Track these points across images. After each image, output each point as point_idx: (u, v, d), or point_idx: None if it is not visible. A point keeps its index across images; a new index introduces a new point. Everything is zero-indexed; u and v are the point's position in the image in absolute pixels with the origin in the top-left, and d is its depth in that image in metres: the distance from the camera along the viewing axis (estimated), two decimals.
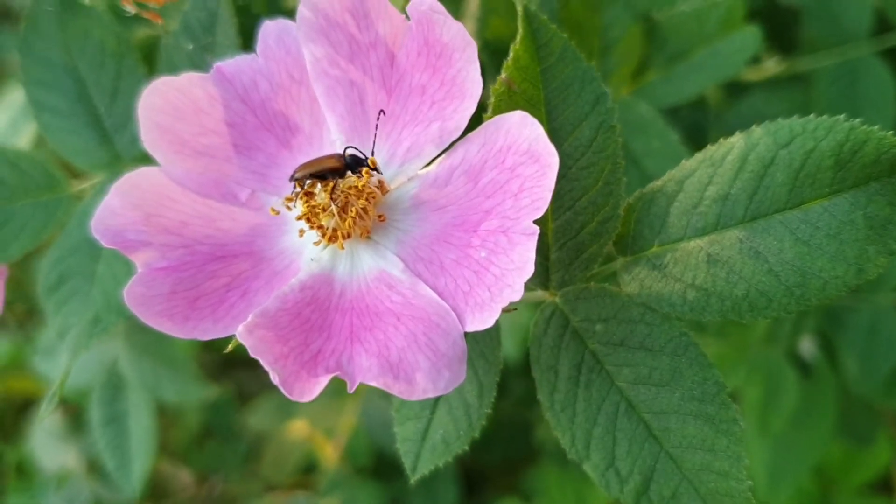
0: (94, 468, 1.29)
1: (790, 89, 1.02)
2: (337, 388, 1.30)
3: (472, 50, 0.45)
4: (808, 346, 1.00)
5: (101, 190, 0.68)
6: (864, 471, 1.38)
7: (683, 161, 0.52)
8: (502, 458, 1.62)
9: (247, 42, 0.59)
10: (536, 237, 0.43)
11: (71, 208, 0.69)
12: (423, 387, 0.42)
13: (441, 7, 0.45)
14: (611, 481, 0.50)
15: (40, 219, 0.68)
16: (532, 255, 0.43)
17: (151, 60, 0.68)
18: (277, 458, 1.34)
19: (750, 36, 0.73)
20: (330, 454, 1.27)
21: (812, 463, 1.04)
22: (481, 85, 0.46)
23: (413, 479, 0.55)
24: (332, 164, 0.48)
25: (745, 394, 0.94)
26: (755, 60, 1.04)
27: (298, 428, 1.30)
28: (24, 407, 1.61)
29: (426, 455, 0.55)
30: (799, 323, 0.96)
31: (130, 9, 0.60)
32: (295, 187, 0.49)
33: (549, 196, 0.44)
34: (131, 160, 0.68)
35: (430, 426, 0.55)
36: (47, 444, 1.37)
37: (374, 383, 0.42)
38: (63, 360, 0.67)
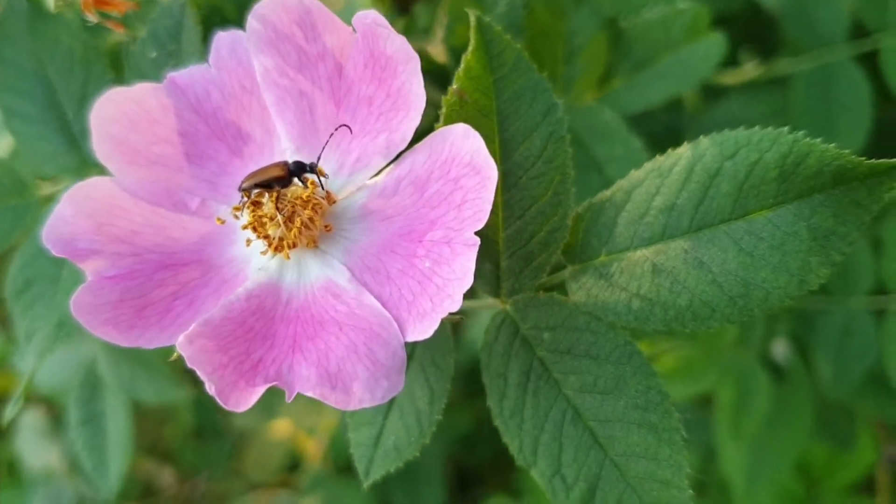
0: (77, 467, 1.30)
1: (767, 93, 1.02)
2: None
3: (415, 63, 0.46)
4: (781, 350, 1.01)
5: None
6: (849, 471, 1.39)
7: (632, 171, 0.52)
8: (492, 455, 1.62)
9: None
10: (476, 248, 0.44)
11: (38, 213, 0.69)
12: (359, 397, 0.43)
13: (384, 21, 0.45)
14: (557, 488, 0.51)
15: (8, 222, 0.69)
16: (472, 266, 0.44)
17: (120, 67, 0.69)
18: (261, 458, 1.35)
19: (715, 44, 0.74)
20: (312, 453, 1.28)
21: (789, 464, 1.04)
22: (424, 97, 0.46)
23: (366, 484, 0.56)
24: (277, 172, 0.49)
25: (718, 397, 0.95)
26: (733, 64, 1.04)
27: (281, 427, 1.30)
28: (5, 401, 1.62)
29: (378, 461, 0.55)
30: (771, 326, 0.97)
31: (92, 18, 0.61)
32: (242, 197, 0.49)
33: (489, 208, 0.44)
34: (98, 166, 0.69)
35: (382, 432, 0.56)
36: (32, 443, 1.38)
37: (310, 393, 0.43)
38: (29, 363, 0.68)
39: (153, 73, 0.64)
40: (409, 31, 0.87)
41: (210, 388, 0.42)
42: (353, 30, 0.47)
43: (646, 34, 0.75)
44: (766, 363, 0.98)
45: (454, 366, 0.54)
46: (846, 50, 0.97)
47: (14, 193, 0.70)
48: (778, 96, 1.00)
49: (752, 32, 1.13)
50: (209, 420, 1.42)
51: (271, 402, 1.39)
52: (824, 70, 0.98)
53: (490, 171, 0.44)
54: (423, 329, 0.44)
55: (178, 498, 1.43)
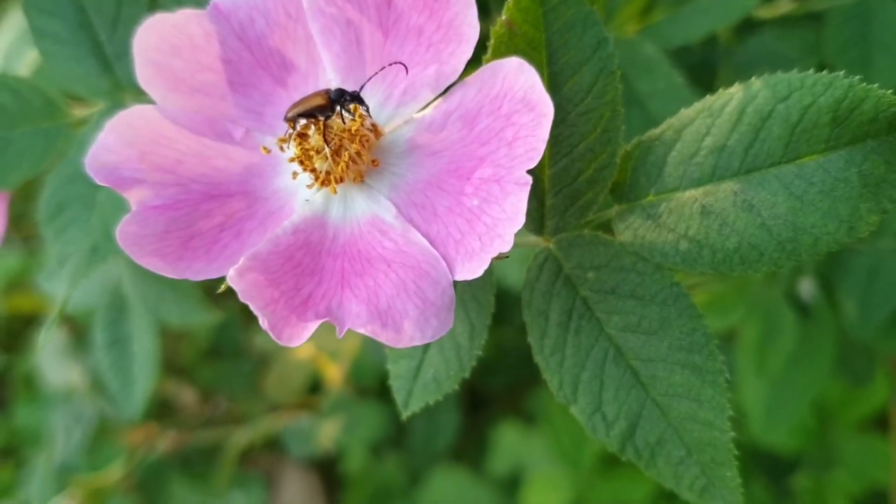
0: (99, 386, 1.32)
1: (802, 28, 1.00)
2: None
3: None
4: (807, 288, 1.00)
5: (101, 118, 0.68)
6: (862, 407, 1.40)
7: (683, 109, 0.51)
8: (506, 383, 1.64)
9: None
10: (529, 188, 0.43)
11: (71, 136, 0.69)
12: (410, 335, 0.43)
13: None
14: (597, 425, 0.51)
15: (40, 146, 0.68)
16: (524, 206, 0.43)
17: None
18: (282, 379, 1.37)
19: None
20: (334, 376, 1.30)
21: (808, 401, 1.05)
22: (478, 29, 0.45)
23: (405, 416, 0.56)
24: (318, 101, 0.48)
25: (743, 333, 0.95)
26: None
27: (303, 349, 1.31)
28: (30, 321, 1.64)
29: (417, 392, 0.56)
30: (799, 265, 0.96)
31: None
32: (288, 128, 0.49)
33: (542, 146, 0.43)
34: (132, 88, 0.68)
35: (421, 365, 0.56)
36: (53, 361, 1.39)
37: (362, 330, 0.43)
38: (62, 288, 0.68)
39: None
40: None
41: (263, 323, 0.42)
42: None
43: None
44: (793, 301, 0.98)
45: (493, 305, 0.54)
46: None
47: (45, 116, 0.69)
48: (813, 31, 0.98)
49: None
50: (230, 340, 1.44)
51: None
52: (862, 5, 0.95)
53: (545, 108, 0.43)
54: (471, 269, 0.44)
55: (199, 417, 1.46)
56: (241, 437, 1.33)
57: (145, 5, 0.67)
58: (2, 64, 1.13)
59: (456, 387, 0.55)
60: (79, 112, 0.70)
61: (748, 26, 1.03)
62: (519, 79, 0.44)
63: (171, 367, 1.49)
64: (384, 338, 0.43)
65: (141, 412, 1.00)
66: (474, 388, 1.74)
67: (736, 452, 0.49)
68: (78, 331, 1.36)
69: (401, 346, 0.43)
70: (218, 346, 1.54)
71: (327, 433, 1.25)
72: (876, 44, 0.95)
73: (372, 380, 1.39)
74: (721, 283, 0.91)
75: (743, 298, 0.93)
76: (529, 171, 0.44)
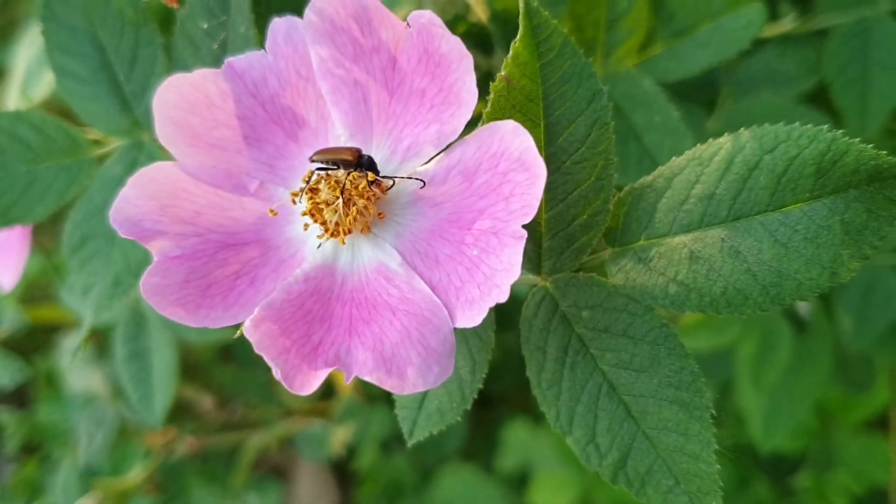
0: (120, 392, 1.36)
1: (804, 46, 1.02)
2: None
3: (468, 62, 0.48)
4: (804, 304, 1.03)
5: (121, 156, 0.71)
6: (863, 409, 1.43)
7: (674, 158, 0.54)
8: (513, 383, 1.67)
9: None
10: (524, 242, 0.46)
11: (93, 171, 0.72)
12: (413, 382, 0.46)
13: (440, 21, 0.47)
14: (591, 455, 0.54)
15: (63, 181, 0.71)
16: (520, 258, 0.46)
17: (168, 30, 0.70)
18: None
19: (756, 13, 0.74)
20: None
21: (805, 409, 1.08)
22: (476, 95, 0.48)
23: (410, 444, 0.60)
24: (347, 156, 0.51)
25: (741, 347, 0.98)
26: (773, 18, 1.04)
27: None
28: (51, 330, 1.68)
29: (422, 423, 0.59)
30: None
31: None
32: (301, 182, 0.52)
33: (537, 204, 0.46)
34: (149, 126, 0.71)
35: (426, 396, 0.59)
36: (75, 367, 1.43)
37: (368, 378, 0.46)
38: (87, 318, 0.71)
39: (204, 43, 0.66)
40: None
41: (276, 373, 0.45)
42: (408, 25, 0.49)
43: (687, 1, 0.75)
44: (790, 316, 1.00)
45: (493, 342, 0.57)
46: (886, 4, 0.96)
47: (68, 152, 0.72)
48: (814, 50, 1.00)
49: None
50: (246, 348, 1.47)
51: None
52: (862, 24, 0.97)
53: (539, 170, 0.46)
54: (471, 316, 0.47)
55: (217, 421, 1.50)
56: (256, 441, 1.37)
57: (161, 46, 0.70)
58: (22, 83, 1.17)
59: (459, 418, 0.58)
60: (100, 150, 0.73)
61: (750, 45, 1.05)
62: (514, 140, 0.47)
63: (190, 372, 1.53)
64: (388, 385, 0.46)
65: (161, 421, 1.03)
66: (483, 388, 1.77)
67: (721, 484, 0.52)
68: (100, 340, 1.40)
69: (405, 392, 0.46)
70: (230, 354, 1.58)
71: (339, 438, 1.28)
72: (874, 63, 0.97)
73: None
74: None
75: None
76: (525, 225, 0.47)
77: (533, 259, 0.56)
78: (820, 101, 0.99)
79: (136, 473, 1.24)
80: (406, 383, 0.46)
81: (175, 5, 0.64)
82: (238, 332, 0.49)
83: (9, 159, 0.71)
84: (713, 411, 0.52)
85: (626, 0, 0.74)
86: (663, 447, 0.53)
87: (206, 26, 0.64)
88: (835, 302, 0.99)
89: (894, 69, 0.95)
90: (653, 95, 0.74)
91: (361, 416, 1.33)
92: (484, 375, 0.57)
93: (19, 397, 2.56)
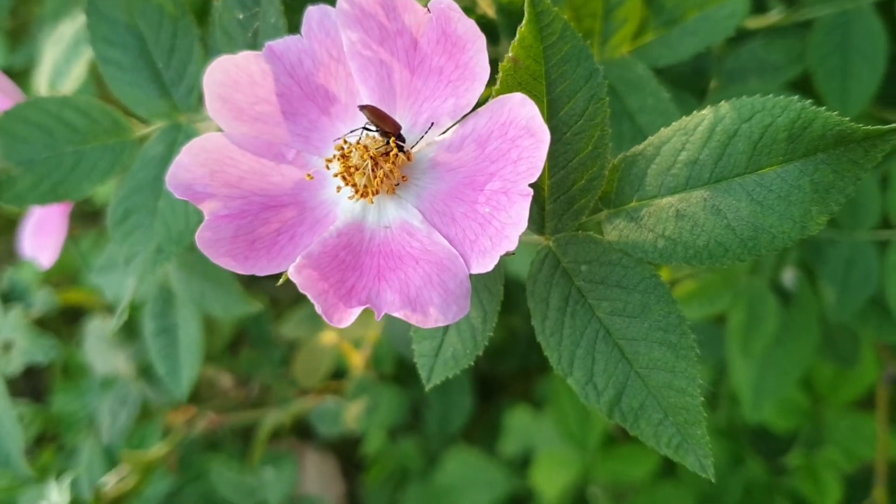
0: (143, 372, 1.42)
1: (789, 38, 1.08)
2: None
3: (481, 42, 0.54)
4: (790, 277, 1.10)
5: (161, 136, 0.78)
6: (851, 388, 1.49)
7: (662, 129, 0.61)
8: (517, 367, 1.74)
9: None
10: (530, 198, 0.53)
11: (135, 152, 0.79)
12: (434, 317, 0.53)
13: (456, 5, 0.54)
14: (589, 393, 0.61)
15: (108, 160, 0.78)
16: (526, 213, 0.53)
17: (203, 21, 0.77)
18: (309, 365, 1.47)
19: (739, 3, 0.81)
20: (357, 362, 1.40)
21: (794, 380, 1.15)
22: (489, 70, 0.55)
23: (428, 388, 0.66)
24: (391, 127, 0.58)
25: (730, 318, 1.04)
26: (762, 10, 1.11)
27: (328, 338, 1.42)
28: (67, 314, 1.75)
29: (439, 368, 0.66)
30: (782, 255, 1.06)
31: None
32: (337, 147, 0.59)
33: (541, 165, 0.53)
34: (186, 109, 0.78)
35: (442, 344, 0.66)
36: (99, 350, 1.50)
37: (396, 314, 0.53)
38: (130, 283, 0.78)
39: (238, 33, 0.73)
40: None
41: (318, 308, 0.52)
42: (428, 10, 0.56)
43: None
44: (776, 289, 1.07)
45: (502, 293, 0.64)
46: None
47: (112, 134, 0.79)
48: (799, 41, 1.06)
49: None
50: (259, 330, 1.55)
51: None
52: (844, 16, 1.04)
53: (543, 136, 0.53)
54: (484, 264, 0.54)
55: (235, 400, 1.57)
56: (272, 419, 1.43)
57: (197, 36, 0.77)
58: (50, 78, 1.23)
59: (472, 363, 0.65)
60: (141, 131, 0.80)
61: (738, 36, 1.11)
62: (522, 110, 0.54)
63: (210, 354, 1.60)
64: (414, 320, 0.53)
65: (187, 394, 1.10)
66: (486, 375, 1.84)
67: (705, 414, 0.58)
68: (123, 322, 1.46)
69: (428, 326, 0.53)
70: (245, 336, 1.65)
71: (352, 414, 1.35)
72: (854, 52, 1.04)
73: (391, 366, 1.49)
74: (710, 274, 1.01)
75: (730, 287, 1.03)
76: (531, 185, 0.54)
77: (537, 221, 0.63)
78: (805, 88, 1.06)
79: (158, 449, 1.30)
80: (429, 319, 0.53)
81: None
82: (283, 278, 0.56)
83: (57, 141, 0.78)
84: (697, 351, 0.59)
85: None
86: (654, 384, 0.59)
87: (240, 17, 0.71)
88: (819, 276, 1.06)
89: (873, 58, 1.02)
90: (646, 79, 0.80)
91: (372, 393, 1.40)
92: (494, 324, 0.64)
93: (34, 391, 2.63)
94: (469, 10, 0.82)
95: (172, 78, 0.78)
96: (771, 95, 0.57)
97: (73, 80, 1.21)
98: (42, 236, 1.03)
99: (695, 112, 0.60)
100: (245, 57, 0.60)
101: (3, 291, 1.23)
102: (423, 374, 0.67)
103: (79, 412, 1.75)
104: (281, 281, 0.56)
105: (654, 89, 0.80)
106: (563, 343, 0.62)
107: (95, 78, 1.22)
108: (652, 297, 0.59)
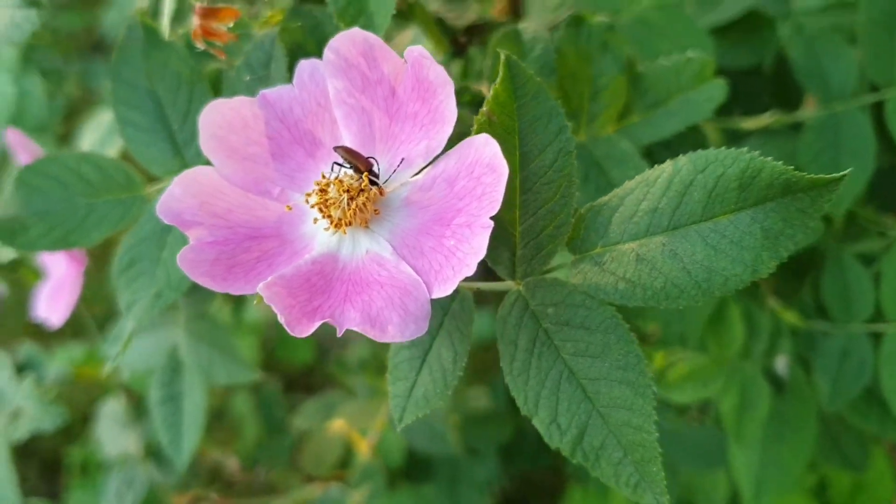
0: (151, 452, 1.44)
1: (783, 138, 1.13)
2: (372, 390, 1.44)
3: (450, 87, 0.59)
4: (783, 365, 1.10)
5: None
6: (869, 498, 1.46)
7: (626, 182, 0.64)
8: (528, 468, 1.72)
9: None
10: (490, 229, 0.57)
11: (144, 206, 0.84)
12: (392, 334, 0.56)
13: (428, 53, 0.59)
14: (553, 433, 0.62)
15: (118, 213, 0.83)
16: (486, 243, 0.57)
17: (218, 89, 0.84)
18: (318, 454, 1.48)
19: (717, 87, 0.86)
20: (364, 450, 1.41)
21: (795, 477, 1.13)
22: (456, 113, 0.60)
23: (399, 428, 0.68)
24: (363, 164, 0.63)
25: (723, 402, 1.05)
26: (756, 111, 1.16)
27: (337, 426, 1.44)
28: (89, 409, 1.79)
29: (410, 408, 0.68)
30: (774, 342, 1.07)
31: (200, 45, 0.75)
32: (316, 182, 0.63)
33: (500, 198, 0.57)
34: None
35: (414, 385, 0.68)
36: (111, 430, 1.53)
37: (356, 328, 0.56)
38: (128, 327, 0.82)
39: (245, 93, 0.79)
40: (465, 74, 1.00)
41: (281, 319, 0.55)
42: (405, 60, 0.61)
43: (660, 78, 0.87)
44: (769, 376, 1.08)
45: (472, 335, 0.67)
46: (855, 101, 1.08)
47: (125, 189, 0.85)
48: (791, 141, 1.11)
49: (779, 85, 1.24)
50: (273, 417, 1.57)
51: (329, 403, 1.53)
52: (834, 118, 1.08)
53: (503, 170, 0.57)
54: (444, 290, 0.57)
55: (241, 484, 1.57)
56: None
57: (211, 99, 0.83)
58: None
59: (441, 403, 0.67)
60: (150, 188, 0.85)
61: (735, 136, 1.17)
62: (486, 150, 0.58)
63: (217, 439, 1.62)
64: (371, 334, 0.56)
65: (187, 464, 1.12)
66: (506, 488, 1.82)
67: (660, 450, 0.59)
68: (135, 401, 1.50)
69: (384, 340, 0.56)
70: (266, 425, 1.68)
71: (355, 501, 1.35)
72: (844, 150, 1.08)
73: (399, 459, 1.50)
74: (702, 358, 1.02)
75: (722, 370, 1.04)
76: (500, 229, 0.58)
77: (508, 266, 0.66)
78: None
79: None
80: (386, 335, 0.56)
81: (223, 56, 0.77)
82: (257, 300, 0.59)
83: (72, 193, 0.84)
84: (654, 389, 0.60)
85: (606, 77, 0.86)
86: (613, 422, 0.61)
87: (248, 79, 0.77)
88: (813, 367, 1.07)
89: (861, 156, 1.05)
90: (629, 154, 0.85)
91: (376, 480, 1.40)
92: (464, 364, 0.66)
93: (51, 493, 2.64)
94: (467, 88, 0.88)
95: (185, 139, 0.83)
96: (723, 147, 0.61)
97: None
98: (55, 299, 1.08)
99: (656, 166, 0.63)
100: (240, 101, 0.66)
101: (18, 363, 1.27)
102: (395, 414, 0.69)
103: None
104: (256, 302, 0.60)
105: (637, 164, 0.84)
106: (529, 383, 0.64)
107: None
108: (612, 336, 0.62)
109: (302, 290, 0.59)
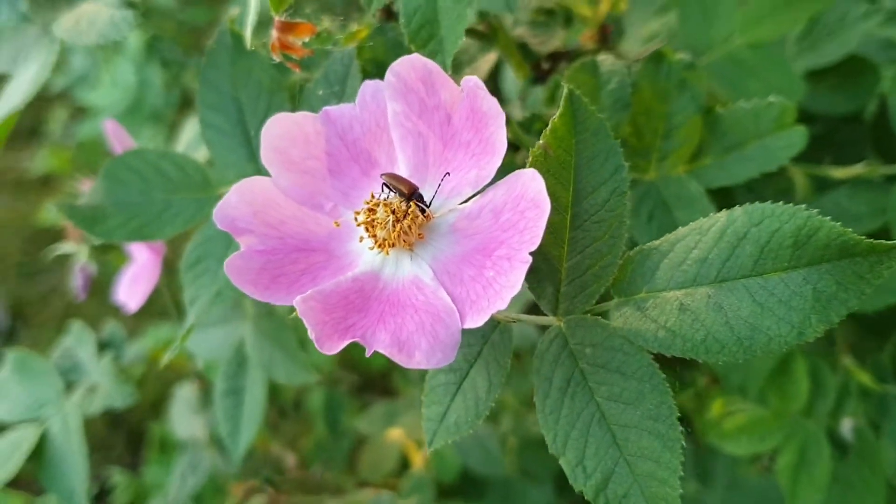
0: (215, 439, 1.49)
1: (874, 191, 1.08)
2: None
3: (502, 118, 0.60)
4: (848, 428, 1.06)
5: None
6: None
7: (679, 228, 0.63)
8: None
9: None
10: (528, 265, 0.57)
11: (215, 206, 0.87)
12: (418, 360, 0.56)
13: (482, 84, 0.60)
14: (578, 476, 0.62)
15: (192, 210, 0.87)
16: (522, 278, 0.56)
17: (295, 99, 0.86)
18: (375, 460, 1.50)
19: (798, 134, 0.83)
20: (417, 461, 1.42)
21: None
22: (506, 146, 0.60)
23: (429, 451, 0.69)
24: (405, 188, 0.63)
25: (779, 459, 1.01)
26: (851, 160, 1.11)
27: (395, 434, 1.45)
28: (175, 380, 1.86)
29: (441, 433, 0.68)
30: (841, 403, 1.02)
31: (276, 58, 0.77)
32: (365, 201, 0.64)
33: (540, 235, 0.57)
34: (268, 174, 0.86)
35: (448, 411, 0.68)
36: (183, 414, 1.58)
37: (383, 351, 0.57)
38: (189, 319, 0.85)
39: (320, 106, 0.81)
40: (552, 101, 1.00)
41: (311, 334, 0.56)
42: (461, 89, 0.61)
43: (738, 121, 0.85)
44: (832, 438, 1.03)
45: (508, 366, 0.66)
46: None
47: (200, 189, 0.88)
48: (883, 194, 1.06)
49: (882, 134, 1.19)
50: (336, 419, 1.60)
51: (392, 411, 1.55)
52: None
53: (546, 207, 0.57)
54: (477, 321, 0.57)
55: (296, 481, 1.60)
56: None
57: (287, 109, 0.86)
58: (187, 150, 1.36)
59: (471, 430, 0.67)
60: (224, 189, 0.88)
61: (825, 185, 1.13)
62: (531, 184, 0.58)
63: (287, 433, 1.65)
64: (398, 359, 0.56)
65: (243, 455, 1.15)
66: None
67: None
68: (207, 388, 1.54)
69: (409, 366, 0.56)
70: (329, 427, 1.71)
71: None
72: None
73: (453, 475, 1.50)
74: (761, 410, 0.99)
75: (782, 426, 1.00)
76: (545, 263, 0.58)
77: (552, 301, 0.66)
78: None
79: None
80: (412, 360, 0.56)
81: (297, 69, 0.79)
82: (294, 313, 0.61)
83: (151, 187, 0.87)
84: (683, 443, 0.59)
85: (681, 116, 0.85)
86: (640, 472, 0.60)
87: (321, 93, 0.79)
88: (883, 432, 1.02)
89: None
90: (697, 197, 0.83)
91: (425, 494, 1.40)
92: (497, 395, 0.66)
93: (134, 462, 2.75)
94: (537, 117, 0.88)
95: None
96: (781, 202, 0.59)
97: (199, 156, 1.33)
98: (135, 285, 1.13)
99: (711, 214, 0.62)
100: (304, 116, 0.67)
101: (101, 341, 1.33)
102: (427, 436, 0.69)
103: (166, 484, 1.83)
104: (292, 315, 0.61)
105: (705, 207, 0.82)
106: (559, 423, 0.63)
107: None
108: (647, 385, 0.61)
109: (339, 307, 0.60)
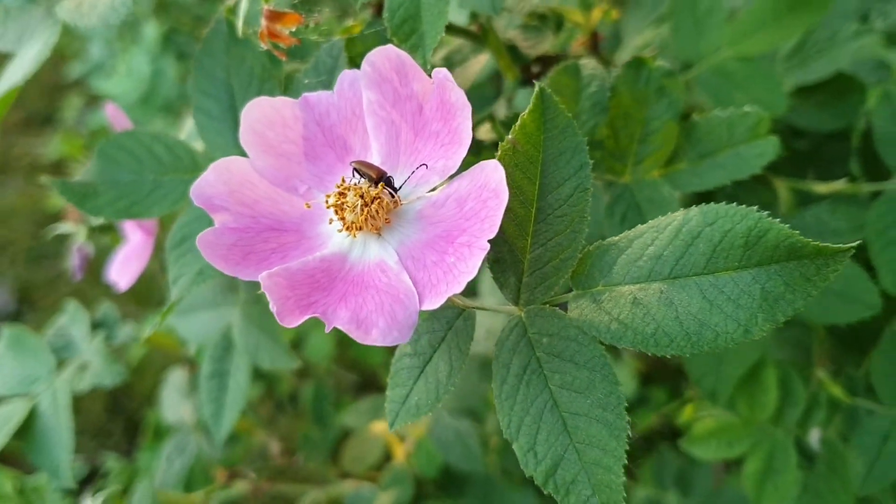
0: (202, 423, 1.51)
1: (855, 206, 1.10)
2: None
3: (468, 110, 0.62)
4: (816, 439, 1.07)
5: None
6: None
7: (638, 225, 0.65)
8: None
9: None
10: (486, 252, 0.59)
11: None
12: (374, 338, 0.59)
13: (451, 77, 0.62)
14: (529, 461, 0.63)
15: (180, 191, 0.89)
16: (479, 264, 0.59)
17: (285, 88, 0.89)
18: (358, 453, 1.52)
19: (770, 144, 0.85)
20: (399, 454, 1.44)
21: None
22: (471, 137, 0.62)
23: (391, 430, 0.71)
24: (374, 173, 0.66)
25: (746, 466, 1.03)
26: (835, 176, 1.13)
27: (378, 427, 1.47)
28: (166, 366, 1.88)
29: (403, 414, 0.70)
30: (810, 413, 1.04)
31: (264, 45, 0.80)
32: (336, 185, 0.67)
33: (499, 223, 0.59)
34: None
35: (410, 393, 0.70)
36: (172, 399, 1.60)
37: (341, 327, 0.59)
38: (172, 296, 0.87)
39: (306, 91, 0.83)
40: None
41: (272, 307, 0.58)
42: (433, 80, 0.64)
43: (713, 129, 0.87)
44: (799, 447, 1.05)
45: (469, 352, 0.69)
46: None
47: (189, 170, 0.91)
48: (862, 210, 1.08)
49: (869, 153, 1.21)
50: (323, 411, 1.63)
51: (377, 405, 1.57)
52: None
53: (505, 196, 0.59)
54: (434, 304, 0.60)
55: (280, 466, 1.63)
56: (312, 497, 1.48)
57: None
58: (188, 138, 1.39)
59: (430, 413, 0.69)
60: None
61: (807, 199, 1.14)
62: (494, 175, 0.61)
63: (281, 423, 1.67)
64: (355, 335, 0.59)
65: (225, 437, 1.17)
66: None
67: (625, 494, 0.60)
68: (196, 369, 1.57)
69: (365, 342, 0.58)
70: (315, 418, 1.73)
71: (383, 502, 1.38)
72: None
73: (434, 471, 1.51)
74: (731, 416, 1.00)
75: (750, 432, 1.02)
76: (509, 254, 0.61)
77: (514, 291, 0.68)
78: (859, 257, 1.06)
79: (193, 495, 1.36)
80: (369, 337, 0.59)
81: (283, 57, 0.81)
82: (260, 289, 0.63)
83: (143, 168, 0.90)
84: (629, 432, 0.61)
85: (658, 121, 0.87)
86: (587, 459, 0.62)
87: (307, 81, 0.81)
88: (850, 444, 1.03)
89: None
90: (669, 201, 0.85)
91: (405, 485, 1.42)
92: (456, 380, 0.68)
93: (130, 449, 2.78)
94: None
95: None
96: (734, 203, 0.61)
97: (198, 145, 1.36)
98: (126, 265, 1.15)
99: (669, 213, 0.64)
100: (283, 101, 0.70)
101: (95, 321, 1.35)
102: (389, 418, 0.71)
103: (154, 468, 1.85)
104: (260, 290, 0.63)
105: (675, 210, 0.84)
106: (514, 408, 0.65)
107: None
108: (598, 374, 0.63)
109: (304, 285, 0.62)
